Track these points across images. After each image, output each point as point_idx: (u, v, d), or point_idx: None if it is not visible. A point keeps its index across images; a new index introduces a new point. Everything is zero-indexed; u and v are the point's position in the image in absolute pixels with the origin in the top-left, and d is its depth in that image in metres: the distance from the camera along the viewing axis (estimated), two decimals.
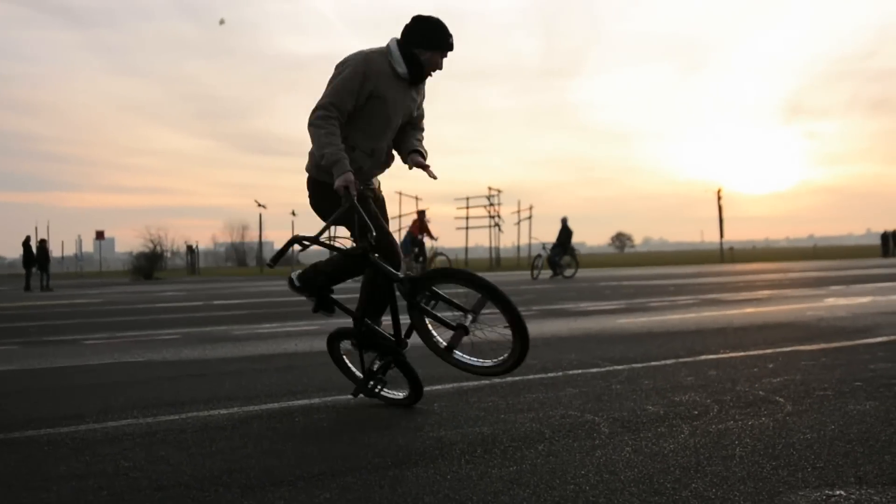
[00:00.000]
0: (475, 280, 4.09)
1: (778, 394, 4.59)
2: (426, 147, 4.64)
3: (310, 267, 4.69)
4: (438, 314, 4.23)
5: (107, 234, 45.18)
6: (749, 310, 10.72)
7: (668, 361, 5.99)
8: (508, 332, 4.06)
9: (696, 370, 5.54)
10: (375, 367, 4.51)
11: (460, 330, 4.17)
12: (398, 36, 4.43)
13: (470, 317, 4.16)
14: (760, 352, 6.38)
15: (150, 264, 41.22)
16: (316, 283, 4.62)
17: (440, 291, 4.21)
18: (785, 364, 5.71)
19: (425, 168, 4.49)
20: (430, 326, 4.35)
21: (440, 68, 4.44)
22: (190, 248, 52.16)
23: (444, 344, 4.29)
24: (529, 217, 48.66)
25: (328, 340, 4.86)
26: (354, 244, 4.34)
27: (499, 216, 47.58)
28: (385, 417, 4.28)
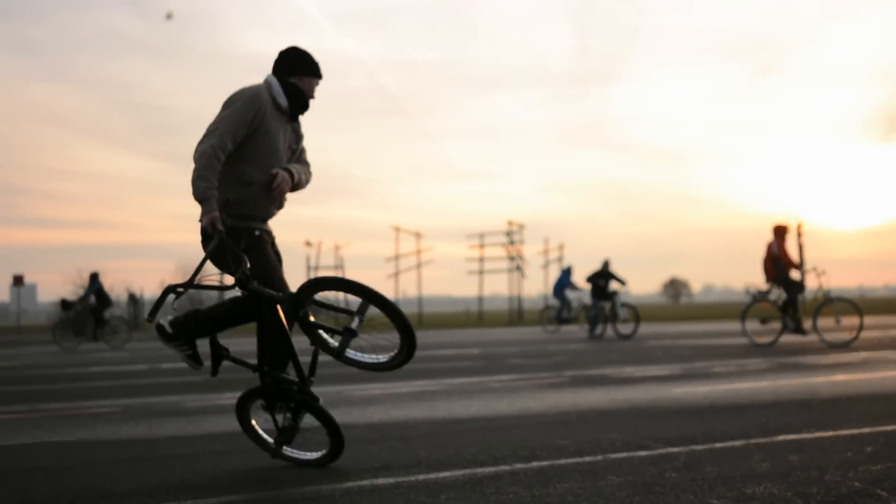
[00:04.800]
0: (350, 285, 4.97)
1: (879, 485, 4.57)
2: (306, 175, 5.68)
3: (185, 314, 5.53)
4: (324, 323, 5.14)
5: (27, 280, 45.32)
6: (840, 377, 10.69)
7: (737, 443, 5.97)
8: (395, 334, 4.96)
9: (772, 454, 5.52)
10: (286, 422, 5.33)
11: (347, 334, 5.06)
12: (270, 72, 5.48)
13: (357, 319, 5.03)
14: (855, 431, 6.36)
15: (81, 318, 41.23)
16: (195, 331, 5.54)
17: (321, 300, 5.09)
18: (887, 447, 5.69)
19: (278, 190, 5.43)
20: (324, 335, 5.19)
21: (314, 97, 5.53)
22: (132, 297, 52.26)
23: (337, 346, 5.14)
24: (560, 258, 48.80)
25: (238, 402, 5.62)
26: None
27: (521, 257, 47.77)
28: None
